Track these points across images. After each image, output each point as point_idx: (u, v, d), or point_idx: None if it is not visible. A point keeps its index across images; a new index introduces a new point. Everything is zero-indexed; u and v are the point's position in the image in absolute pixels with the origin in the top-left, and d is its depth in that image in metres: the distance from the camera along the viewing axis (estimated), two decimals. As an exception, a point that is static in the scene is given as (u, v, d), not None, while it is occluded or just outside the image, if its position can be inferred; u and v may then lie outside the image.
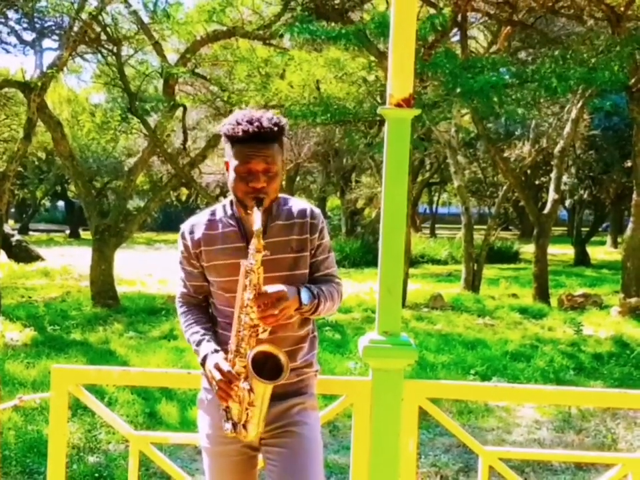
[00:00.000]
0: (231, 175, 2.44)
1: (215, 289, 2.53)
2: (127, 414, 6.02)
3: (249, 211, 2.38)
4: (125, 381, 3.60)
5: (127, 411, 6.12)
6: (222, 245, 2.48)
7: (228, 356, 2.37)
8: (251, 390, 2.29)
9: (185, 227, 2.56)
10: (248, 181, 2.39)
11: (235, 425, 2.36)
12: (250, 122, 2.38)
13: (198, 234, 2.51)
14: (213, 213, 2.56)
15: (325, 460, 2.90)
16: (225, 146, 2.48)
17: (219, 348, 2.42)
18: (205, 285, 2.55)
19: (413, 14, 2.63)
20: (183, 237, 2.54)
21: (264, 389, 2.30)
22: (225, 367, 2.32)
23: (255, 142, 2.38)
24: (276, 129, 2.41)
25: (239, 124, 2.39)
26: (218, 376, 2.31)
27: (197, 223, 2.55)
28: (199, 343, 2.46)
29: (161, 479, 4.78)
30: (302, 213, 2.52)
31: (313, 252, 2.52)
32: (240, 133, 2.38)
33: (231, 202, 2.55)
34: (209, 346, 2.43)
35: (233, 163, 2.42)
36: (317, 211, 2.57)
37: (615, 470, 2.81)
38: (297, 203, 2.56)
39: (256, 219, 2.31)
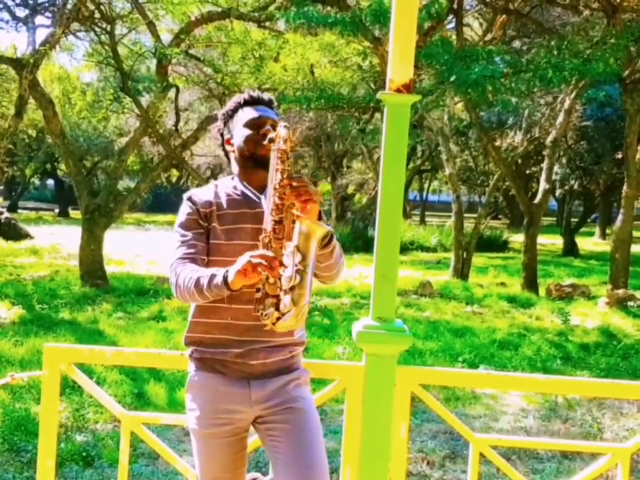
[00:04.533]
0: (240, 133, 2.57)
1: (214, 254, 2.48)
2: (115, 394, 6.01)
3: (264, 143, 2.41)
4: (118, 361, 3.59)
5: (115, 391, 6.11)
6: (228, 210, 2.50)
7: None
8: (298, 249, 2.20)
9: (190, 192, 2.59)
10: (260, 129, 2.52)
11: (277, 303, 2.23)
12: (251, 93, 2.66)
13: (206, 197, 2.54)
14: (217, 185, 2.61)
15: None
16: (226, 126, 2.65)
17: None
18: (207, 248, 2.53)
19: (415, -1, 2.62)
20: (191, 200, 2.53)
21: (311, 252, 2.22)
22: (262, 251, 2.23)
23: (261, 105, 2.62)
24: (274, 103, 2.68)
25: (242, 95, 2.66)
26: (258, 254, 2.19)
27: (203, 190, 2.60)
28: (212, 275, 2.30)
29: (149, 459, 4.80)
30: None
31: None
32: (246, 97, 2.62)
33: (232, 178, 2.63)
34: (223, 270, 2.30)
35: (242, 121, 2.58)
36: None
37: (605, 459, 2.83)
38: None
39: (279, 130, 2.36)
